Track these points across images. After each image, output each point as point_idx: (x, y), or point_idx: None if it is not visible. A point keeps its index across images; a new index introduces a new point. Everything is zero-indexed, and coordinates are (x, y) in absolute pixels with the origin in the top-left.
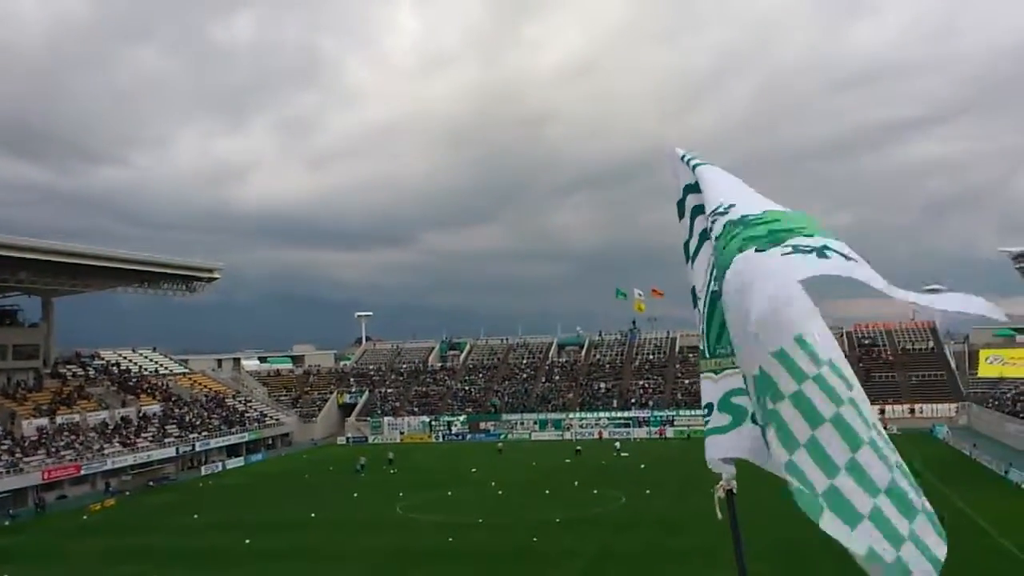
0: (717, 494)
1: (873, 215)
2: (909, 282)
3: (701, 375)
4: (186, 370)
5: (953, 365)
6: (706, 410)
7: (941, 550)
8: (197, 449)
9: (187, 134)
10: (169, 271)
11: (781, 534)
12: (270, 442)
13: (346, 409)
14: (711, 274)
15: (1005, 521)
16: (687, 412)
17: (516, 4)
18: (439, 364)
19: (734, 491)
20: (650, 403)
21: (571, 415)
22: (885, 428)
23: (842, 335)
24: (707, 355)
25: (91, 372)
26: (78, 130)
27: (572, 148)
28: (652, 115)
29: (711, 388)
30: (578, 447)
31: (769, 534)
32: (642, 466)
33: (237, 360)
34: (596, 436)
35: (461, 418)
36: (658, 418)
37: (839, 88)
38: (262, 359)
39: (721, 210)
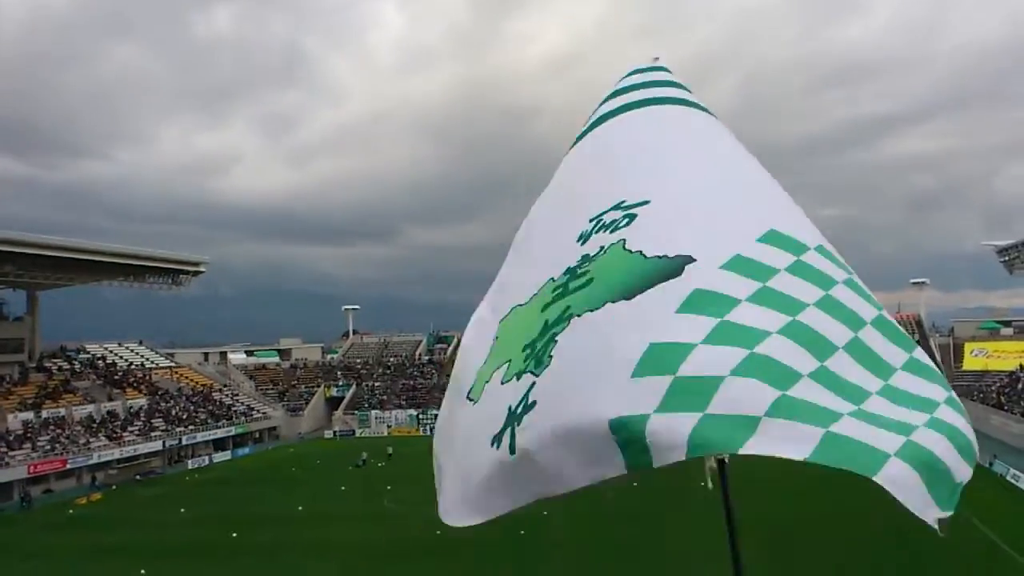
0: (708, 463)
1: (858, 211)
2: (895, 277)
3: None
4: (172, 363)
5: (938, 358)
6: None
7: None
8: (183, 443)
9: (170, 129)
10: (154, 264)
11: (764, 511)
12: (257, 436)
13: (333, 403)
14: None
15: (989, 512)
16: None
17: None
18: (426, 357)
19: (726, 461)
20: None
21: None
22: None
23: None
24: None
25: (77, 366)
26: (60, 125)
27: (558, 142)
28: None
29: None
30: None
31: (752, 510)
32: None
33: (223, 353)
34: None
35: None
36: None
37: (824, 85)
38: (248, 352)
39: (625, 205)
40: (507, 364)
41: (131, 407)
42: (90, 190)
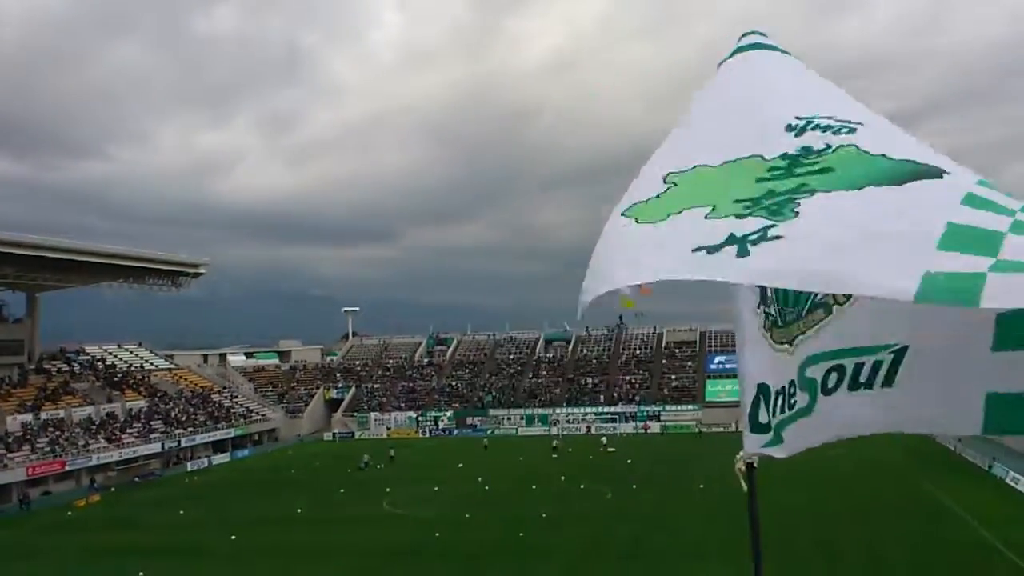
0: (738, 466)
1: None
2: None
3: (766, 346)
4: (172, 365)
5: None
6: (790, 388)
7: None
8: (183, 445)
9: (169, 129)
10: (154, 266)
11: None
12: (256, 438)
13: (332, 405)
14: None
15: (988, 514)
16: (673, 407)
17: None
18: (426, 359)
19: (755, 464)
20: (636, 398)
21: (558, 410)
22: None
23: None
24: (779, 323)
25: (76, 368)
26: (58, 125)
27: (557, 143)
28: (637, 109)
29: (782, 364)
30: (555, 444)
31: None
32: (628, 461)
33: (223, 355)
34: (584, 431)
35: (448, 413)
36: (644, 413)
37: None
38: (248, 354)
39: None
40: (711, 207)
41: (130, 409)
42: (88, 190)
